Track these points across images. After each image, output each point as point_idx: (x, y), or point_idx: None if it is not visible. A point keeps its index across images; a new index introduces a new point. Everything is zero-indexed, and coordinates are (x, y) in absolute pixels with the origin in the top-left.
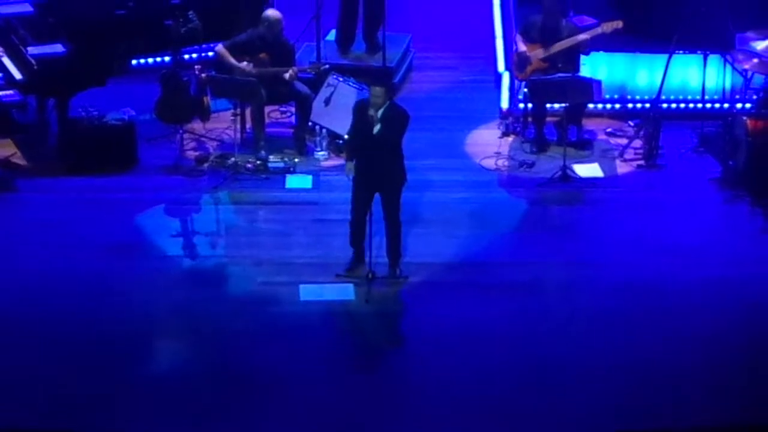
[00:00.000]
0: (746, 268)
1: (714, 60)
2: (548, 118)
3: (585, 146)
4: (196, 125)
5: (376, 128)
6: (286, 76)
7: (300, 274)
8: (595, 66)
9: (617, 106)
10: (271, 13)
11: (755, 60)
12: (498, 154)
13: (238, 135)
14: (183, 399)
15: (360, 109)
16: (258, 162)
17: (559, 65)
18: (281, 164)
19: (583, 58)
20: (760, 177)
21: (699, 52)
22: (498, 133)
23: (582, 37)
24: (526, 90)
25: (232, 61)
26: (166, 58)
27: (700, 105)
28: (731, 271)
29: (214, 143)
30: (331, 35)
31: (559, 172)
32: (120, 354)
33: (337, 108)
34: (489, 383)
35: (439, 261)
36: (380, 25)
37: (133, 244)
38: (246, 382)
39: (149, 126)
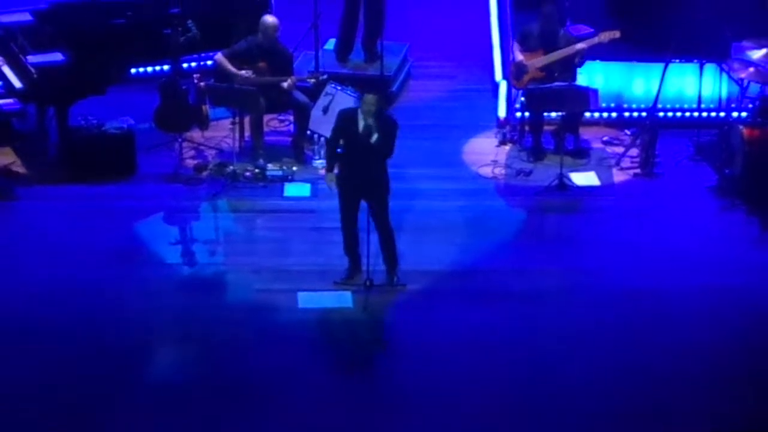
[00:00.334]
0: (742, 276)
1: (710, 69)
2: (545, 127)
3: (582, 155)
4: (195, 134)
5: (374, 137)
6: (285, 84)
7: (298, 281)
8: (591, 75)
9: (614, 114)
10: (267, 19)
11: (751, 69)
12: (495, 162)
13: (237, 143)
14: (181, 406)
15: (346, 119)
16: (256, 170)
17: (556, 74)
18: (280, 173)
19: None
20: (756, 185)
21: (695, 61)
22: (495, 141)
23: (580, 46)
24: (523, 99)
25: (232, 69)
26: (165, 67)
27: (696, 114)
28: (727, 279)
29: (213, 152)
30: (330, 44)
31: (556, 181)
32: (118, 361)
33: (335, 117)
34: (487, 391)
35: (437, 269)
36: (380, 34)
37: (132, 252)
38: (244, 390)
39: (148, 134)
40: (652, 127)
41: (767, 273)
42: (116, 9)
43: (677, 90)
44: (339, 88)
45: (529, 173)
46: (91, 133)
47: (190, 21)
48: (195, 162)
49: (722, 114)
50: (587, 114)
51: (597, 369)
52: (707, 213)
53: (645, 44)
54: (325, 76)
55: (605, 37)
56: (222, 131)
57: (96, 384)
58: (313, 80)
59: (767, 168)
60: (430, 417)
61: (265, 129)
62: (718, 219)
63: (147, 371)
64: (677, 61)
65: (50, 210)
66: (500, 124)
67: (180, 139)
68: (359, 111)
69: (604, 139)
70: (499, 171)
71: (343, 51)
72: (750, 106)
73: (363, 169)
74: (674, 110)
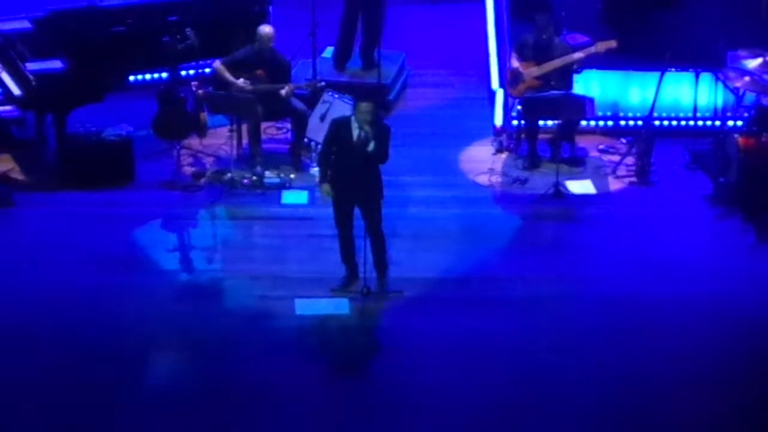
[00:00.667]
0: (737, 283)
1: (706, 78)
2: (541, 135)
3: (578, 163)
4: (193, 141)
5: (371, 145)
6: (283, 92)
7: (295, 288)
8: (587, 83)
9: (610, 123)
10: (263, 29)
11: (746, 78)
12: (491, 170)
13: (235, 151)
14: (179, 412)
15: (339, 127)
16: (254, 177)
17: (552, 83)
18: (277, 180)
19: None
20: (751, 194)
21: (691, 70)
22: (492, 149)
23: (577, 55)
24: (519, 107)
25: (230, 77)
26: (164, 75)
27: (692, 122)
28: (723, 287)
29: (211, 159)
30: (328, 52)
31: (552, 189)
32: (115, 367)
33: None
34: (482, 397)
35: (434, 276)
36: (378, 42)
37: (130, 259)
38: (241, 396)
39: (146, 142)
40: (648, 135)
41: (762, 281)
42: (115, 17)
43: (673, 99)
44: (336, 96)
45: (525, 181)
46: (89, 141)
47: (188, 29)
48: (193, 169)
49: (718, 123)
50: (583, 122)
51: (592, 376)
52: (703, 221)
53: (641, 53)
54: (322, 84)
55: (601, 47)
56: (220, 139)
57: (93, 390)
58: (310, 87)
59: (762, 176)
60: (426, 423)
61: (263, 136)
62: (713, 227)
63: (144, 377)
64: (673, 69)
65: (49, 216)
66: (497, 133)
67: (178, 147)
68: (352, 119)
69: (600, 147)
70: (496, 179)
71: (341, 59)
72: (745, 115)
73: (357, 177)
74: (670, 119)
